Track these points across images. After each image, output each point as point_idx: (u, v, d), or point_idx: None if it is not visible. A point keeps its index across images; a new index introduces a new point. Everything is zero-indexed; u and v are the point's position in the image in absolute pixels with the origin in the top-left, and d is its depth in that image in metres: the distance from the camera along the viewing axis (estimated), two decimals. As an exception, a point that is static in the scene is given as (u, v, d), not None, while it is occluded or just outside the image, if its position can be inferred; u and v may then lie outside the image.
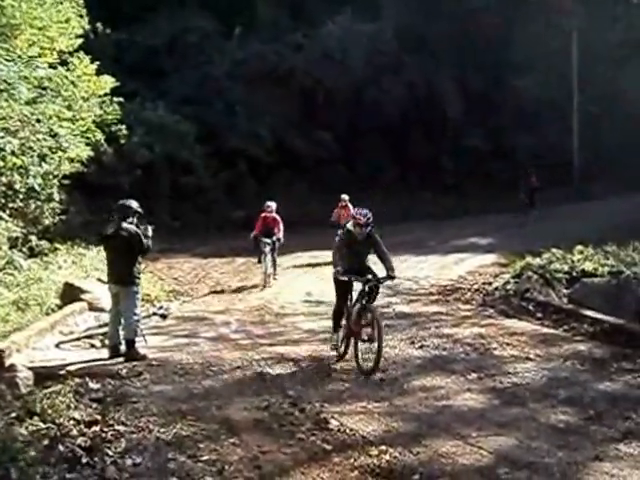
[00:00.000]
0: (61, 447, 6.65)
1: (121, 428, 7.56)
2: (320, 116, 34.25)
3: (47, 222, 19.05)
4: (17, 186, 16.78)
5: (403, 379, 9.80)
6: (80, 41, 18.71)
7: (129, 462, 6.72)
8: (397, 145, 35.81)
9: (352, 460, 6.81)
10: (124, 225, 11.17)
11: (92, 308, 14.09)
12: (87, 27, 19.48)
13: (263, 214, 19.21)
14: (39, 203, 18.43)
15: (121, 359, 10.76)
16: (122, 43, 30.56)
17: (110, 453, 6.84)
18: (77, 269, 17.04)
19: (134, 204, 11.41)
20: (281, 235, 19.13)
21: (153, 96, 30.34)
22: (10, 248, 16.48)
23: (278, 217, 19.33)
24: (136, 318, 11.20)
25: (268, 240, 18.73)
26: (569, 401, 8.70)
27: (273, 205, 19.45)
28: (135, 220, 11.31)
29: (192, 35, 33.91)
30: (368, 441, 7.32)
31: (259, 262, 18.89)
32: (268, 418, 8.04)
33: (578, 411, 8.33)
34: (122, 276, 11.10)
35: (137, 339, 11.16)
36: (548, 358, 10.83)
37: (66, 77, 17.96)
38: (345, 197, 22.12)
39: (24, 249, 17.27)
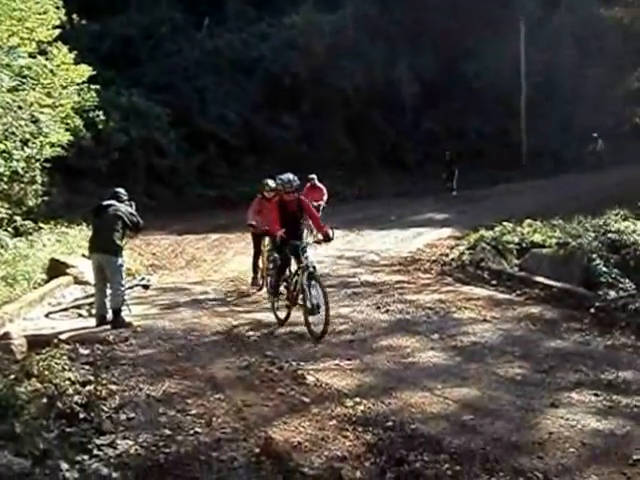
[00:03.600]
0: (59, 404, 6.72)
1: (113, 387, 7.65)
2: (285, 101, 34.23)
3: (31, 203, 18.93)
4: (1, 169, 16.62)
5: (371, 340, 9.96)
6: (58, 31, 18.46)
7: (123, 417, 6.81)
8: (358, 127, 35.89)
9: (329, 411, 6.96)
10: (117, 203, 11.34)
11: (77, 281, 14.19)
12: (64, 18, 19.23)
13: (288, 195, 10.92)
14: (23, 185, 18.34)
15: (108, 327, 10.83)
16: (97, 33, 30.31)
17: (105, 409, 6.93)
18: (61, 246, 16.99)
19: (125, 193, 11.59)
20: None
21: (128, 84, 30.12)
22: (-4, 228, 16.48)
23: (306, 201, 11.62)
24: (122, 289, 11.28)
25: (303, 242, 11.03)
26: (524, 357, 8.91)
27: (295, 180, 10.92)
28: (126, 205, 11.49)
29: (164, 26, 33.87)
30: (343, 394, 7.47)
31: (274, 291, 11.45)
32: (249, 375, 8.17)
33: (533, 365, 8.56)
34: (107, 246, 11.14)
35: (122, 308, 11.25)
36: (503, 320, 11.04)
37: (45, 66, 17.82)
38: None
39: (9, 229, 17.14)
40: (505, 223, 17.36)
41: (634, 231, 13.83)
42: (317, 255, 18.02)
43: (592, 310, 10.88)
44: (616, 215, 15.80)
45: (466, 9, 37.97)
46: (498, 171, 36.34)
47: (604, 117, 38.34)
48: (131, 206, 11.62)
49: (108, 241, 11.12)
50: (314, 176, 20.41)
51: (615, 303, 10.87)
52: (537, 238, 15.48)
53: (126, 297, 11.71)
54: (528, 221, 17.28)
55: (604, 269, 12.28)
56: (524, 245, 15.44)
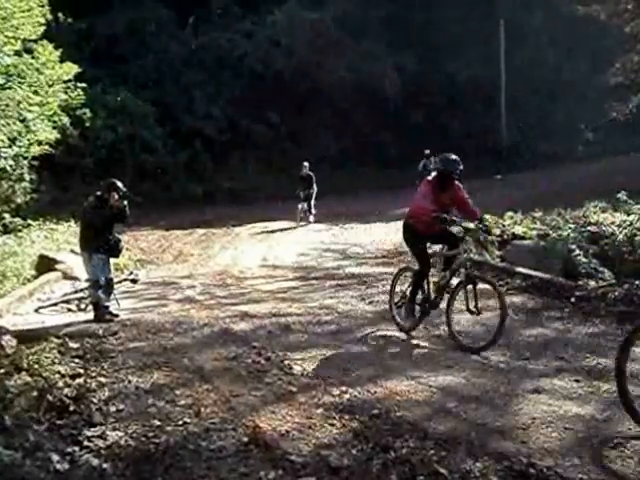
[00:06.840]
0: (49, 397, 6.66)
1: (103, 379, 7.59)
2: (270, 98, 34.26)
3: (19, 201, 18.97)
4: (-10, 168, 16.70)
5: (357, 330, 9.96)
6: (43, 29, 18.40)
7: (113, 408, 6.75)
8: (341, 123, 36.00)
9: (316, 399, 6.93)
10: (87, 201, 11.33)
11: (66, 277, 14.21)
12: (49, 16, 19.13)
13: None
14: (11, 183, 18.40)
15: (102, 321, 10.78)
16: (83, 31, 30.23)
17: (95, 401, 6.87)
18: (50, 243, 17.00)
19: (119, 183, 11.23)
20: None
21: (114, 81, 30.22)
22: (-16, 226, 16.45)
23: None
24: (89, 284, 11.28)
25: None
26: (507, 345, 8.88)
27: None
28: (116, 196, 11.10)
29: (149, 24, 33.86)
30: (330, 383, 7.44)
31: None
32: (237, 366, 8.10)
33: (515, 353, 8.56)
34: (79, 242, 11.33)
35: (110, 302, 11.20)
36: (486, 309, 11.03)
37: (31, 64, 17.78)
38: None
39: (-2, 226, 17.21)
40: (486, 215, 17.34)
41: (612, 222, 13.88)
42: (304, 248, 18.23)
43: (573, 299, 10.91)
44: (595, 207, 15.90)
45: (448, 8, 38.06)
46: (479, 165, 36.41)
47: (583, 112, 38.60)
48: (124, 197, 11.36)
49: (80, 237, 11.36)
50: None
51: (595, 292, 10.91)
52: (518, 230, 15.48)
53: (115, 291, 11.65)
54: (509, 213, 17.32)
55: (584, 260, 12.29)
56: (505, 237, 15.45)
